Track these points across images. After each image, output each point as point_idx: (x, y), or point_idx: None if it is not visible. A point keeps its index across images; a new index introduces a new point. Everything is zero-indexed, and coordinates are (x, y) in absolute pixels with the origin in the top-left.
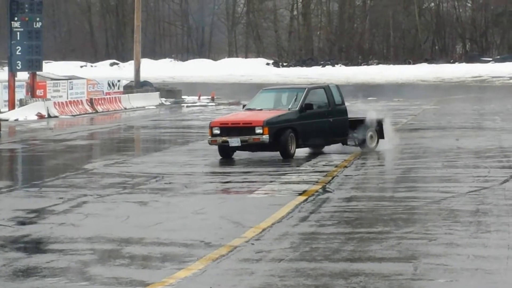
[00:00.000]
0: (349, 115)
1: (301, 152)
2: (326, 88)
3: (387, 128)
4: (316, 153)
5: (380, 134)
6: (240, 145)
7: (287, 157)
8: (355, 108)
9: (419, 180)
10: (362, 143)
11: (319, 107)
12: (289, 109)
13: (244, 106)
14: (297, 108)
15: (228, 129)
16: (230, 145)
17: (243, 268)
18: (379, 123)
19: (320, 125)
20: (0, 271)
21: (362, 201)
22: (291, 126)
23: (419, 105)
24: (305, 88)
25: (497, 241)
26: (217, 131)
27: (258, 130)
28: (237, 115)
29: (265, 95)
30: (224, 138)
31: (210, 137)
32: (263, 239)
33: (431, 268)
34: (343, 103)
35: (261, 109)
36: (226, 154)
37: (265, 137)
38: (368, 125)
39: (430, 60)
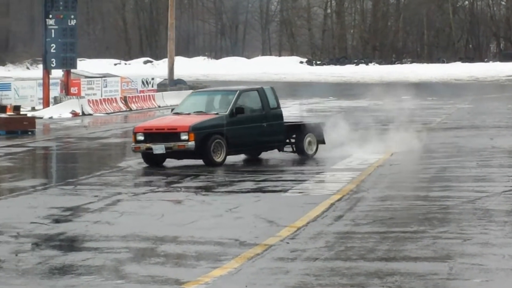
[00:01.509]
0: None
1: (335, 152)
2: (260, 91)
3: (329, 132)
4: (349, 152)
5: (320, 139)
6: (164, 152)
7: (213, 165)
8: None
9: (454, 180)
10: (299, 149)
11: (252, 111)
12: (218, 114)
13: (172, 109)
14: (227, 113)
15: (152, 135)
16: (154, 153)
17: (278, 267)
18: (318, 128)
19: (252, 131)
20: (36, 268)
21: (397, 200)
22: (220, 132)
23: (453, 104)
24: (237, 91)
25: None
26: (141, 137)
27: (184, 136)
28: (163, 119)
29: (195, 98)
30: (148, 145)
31: (133, 143)
32: (298, 238)
33: (466, 268)
34: (278, 107)
35: (189, 114)
36: (153, 162)
37: (191, 144)
38: (307, 130)
39: (464, 58)
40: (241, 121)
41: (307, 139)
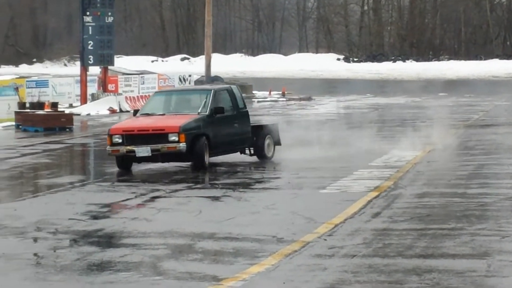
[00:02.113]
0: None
1: (375, 148)
2: (229, 90)
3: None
4: (388, 149)
5: (276, 141)
6: (150, 155)
7: (202, 168)
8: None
9: (491, 177)
10: (259, 151)
11: (226, 111)
12: (198, 113)
13: (135, 112)
14: (207, 112)
15: (134, 137)
16: (137, 155)
17: (316, 263)
18: (275, 130)
19: (229, 131)
20: (75, 265)
21: (434, 197)
22: (204, 133)
23: (490, 101)
24: (211, 90)
25: None
26: (118, 140)
27: (173, 137)
28: (138, 120)
29: (161, 98)
30: (128, 148)
31: (109, 146)
32: (336, 235)
33: (505, 265)
34: (245, 107)
35: (163, 114)
36: (126, 166)
37: (182, 145)
38: (266, 132)
39: (502, 56)
40: (220, 121)
41: (267, 141)
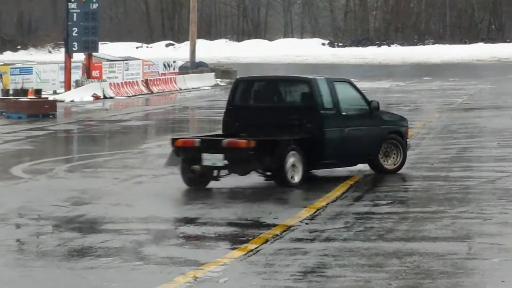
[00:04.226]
0: None
1: None
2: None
3: None
4: None
5: None
6: None
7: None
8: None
9: (474, 160)
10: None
11: None
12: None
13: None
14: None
15: None
16: None
17: (297, 247)
18: None
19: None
20: (55, 250)
21: (417, 180)
22: None
23: (475, 84)
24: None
25: None
26: None
27: None
28: None
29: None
30: None
31: None
32: (317, 219)
33: (485, 248)
34: None
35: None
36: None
37: None
38: None
39: (487, 39)
40: None
41: None
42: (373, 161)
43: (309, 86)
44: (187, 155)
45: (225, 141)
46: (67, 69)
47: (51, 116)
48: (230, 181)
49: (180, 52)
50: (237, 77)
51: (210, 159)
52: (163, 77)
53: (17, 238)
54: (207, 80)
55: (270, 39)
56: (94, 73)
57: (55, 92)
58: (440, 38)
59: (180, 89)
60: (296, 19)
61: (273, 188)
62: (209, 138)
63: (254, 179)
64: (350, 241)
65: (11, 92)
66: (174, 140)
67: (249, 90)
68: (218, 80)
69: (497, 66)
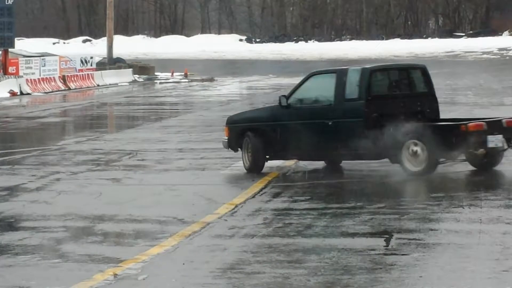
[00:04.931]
0: None
1: None
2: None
3: None
4: None
5: None
6: None
7: None
8: None
9: None
10: None
11: None
12: None
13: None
14: None
15: None
16: None
17: (216, 244)
18: None
19: None
20: None
21: (335, 176)
22: None
23: None
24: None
25: (469, 216)
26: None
27: None
28: None
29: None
30: None
31: None
32: (236, 215)
33: (403, 243)
34: None
35: None
36: None
37: None
38: None
39: (403, 35)
40: None
41: None
42: None
43: (425, 73)
44: (474, 139)
45: (505, 121)
46: None
47: None
48: (152, 178)
49: (97, 48)
50: (155, 73)
51: (494, 141)
52: (81, 73)
53: None
54: (124, 76)
55: (188, 35)
56: (11, 69)
57: None
58: (357, 34)
59: (98, 85)
60: (213, 15)
61: (193, 185)
62: (492, 120)
63: (172, 175)
64: (269, 237)
65: None
66: (461, 125)
67: (383, 79)
68: (136, 76)
69: (413, 62)
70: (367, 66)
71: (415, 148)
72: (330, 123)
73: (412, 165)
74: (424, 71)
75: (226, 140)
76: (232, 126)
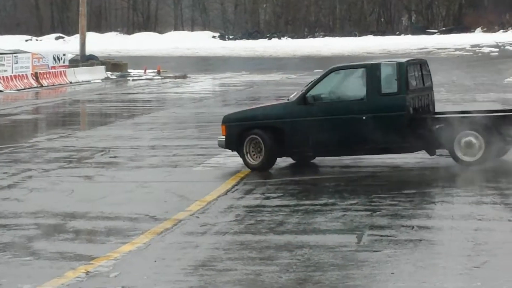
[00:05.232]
0: None
1: None
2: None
3: None
4: None
5: None
6: None
7: None
8: (303, 81)
9: None
10: None
11: None
12: None
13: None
14: None
15: None
16: None
17: (188, 241)
18: None
19: None
20: None
21: (308, 173)
22: None
23: None
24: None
25: (441, 212)
26: None
27: None
28: None
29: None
30: None
31: None
32: (208, 212)
33: (375, 240)
34: None
35: None
36: None
37: None
38: None
39: (376, 32)
40: None
41: None
42: None
43: (428, 67)
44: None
45: None
46: None
47: None
48: (124, 175)
49: (70, 45)
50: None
51: None
52: (53, 70)
53: None
54: (97, 73)
55: (161, 32)
56: None
57: None
58: (330, 31)
59: (71, 82)
60: (186, 11)
61: (165, 182)
62: None
63: (145, 172)
64: (241, 234)
65: None
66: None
67: (411, 73)
68: (109, 73)
69: (386, 58)
70: (402, 60)
71: (470, 139)
72: (364, 117)
73: (467, 156)
74: (427, 65)
75: (223, 139)
76: (232, 124)
